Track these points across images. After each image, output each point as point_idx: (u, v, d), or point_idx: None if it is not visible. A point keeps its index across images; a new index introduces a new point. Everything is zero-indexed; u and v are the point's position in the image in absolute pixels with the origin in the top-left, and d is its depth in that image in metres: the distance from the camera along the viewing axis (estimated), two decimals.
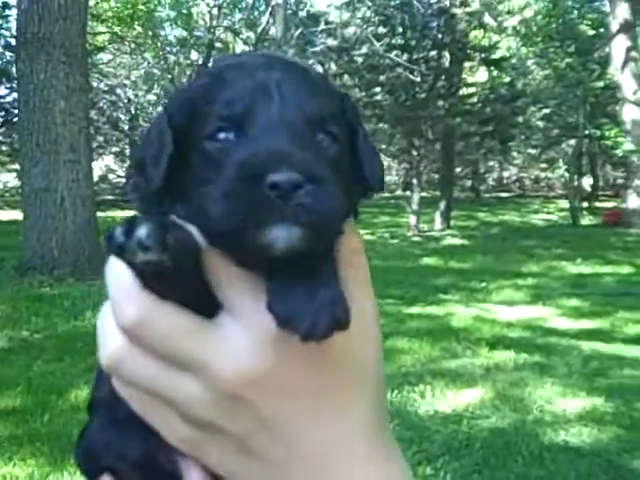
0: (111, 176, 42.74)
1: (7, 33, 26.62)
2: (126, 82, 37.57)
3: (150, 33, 29.31)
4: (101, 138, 39.07)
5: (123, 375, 0.72)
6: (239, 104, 0.72)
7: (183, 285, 0.68)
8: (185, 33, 31.56)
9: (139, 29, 28.63)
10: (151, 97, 38.63)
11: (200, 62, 31.27)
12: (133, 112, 39.66)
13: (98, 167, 41.94)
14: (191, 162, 0.74)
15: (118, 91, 38.73)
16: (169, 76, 31.87)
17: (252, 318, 0.69)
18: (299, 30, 24.43)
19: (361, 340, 0.75)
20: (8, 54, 26.89)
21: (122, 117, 39.86)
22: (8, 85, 27.45)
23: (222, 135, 0.72)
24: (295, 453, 0.71)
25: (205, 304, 0.70)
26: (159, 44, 30.57)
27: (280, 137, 0.69)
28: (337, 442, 0.73)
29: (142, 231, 0.62)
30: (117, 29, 28.37)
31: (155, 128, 0.79)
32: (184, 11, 30.67)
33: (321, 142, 0.73)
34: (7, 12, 25.76)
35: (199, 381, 0.68)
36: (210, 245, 0.69)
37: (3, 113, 29.04)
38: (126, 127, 39.64)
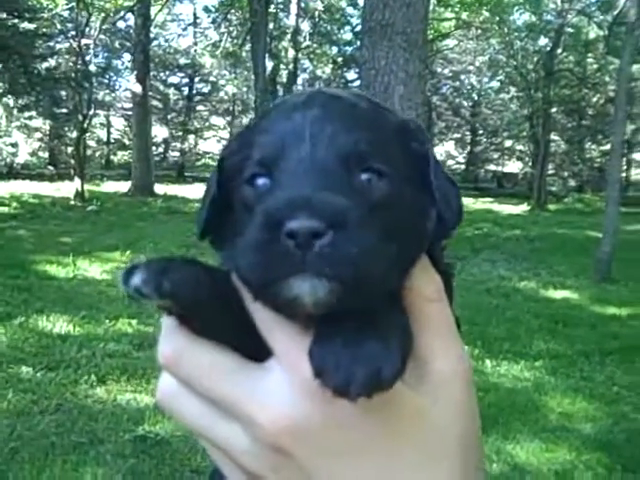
0: (450, 162, 43.32)
1: (355, 21, 28.20)
2: (470, 68, 37.65)
3: (497, 18, 28.88)
4: (442, 124, 39.75)
5: (173, 415, 0.70)
6: (271, 148, 0.68)
7: (223, 323, 0.66)
8: (534, 18, 30.55)
9: (486, 14, 28.38)
10: (494, 84, 38.27)
11: (548, 48, 30.19)
12: (476, 99, 39.70)
13: (438, 153, 42.94)
14: (234, 207, 0.72)
15: (462, 77, 39.01)
16: (514, 62, 31.20)
17: (297, 366, 0.63)
18: None
19: (437, 404, 0.67)
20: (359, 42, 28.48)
21: (464, 103, 40.09)
22: (357, 71, 29.17)
23: (258, 180, 0.68)
24: None
25: (260, 347, 0.66)
26: (506, 29, 30.02)
27: (305, 181, 0.63)
28: None
29: (137, 278, 0.60)
30: (464, 15, 28.44)
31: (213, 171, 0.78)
32: None
33: (363, 182, 0.66)
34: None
35: (241, 427, 0.65)
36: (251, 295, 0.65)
37: None
38: (468, 114, 39.82)
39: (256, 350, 0.66)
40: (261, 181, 0.68)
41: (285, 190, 0.63)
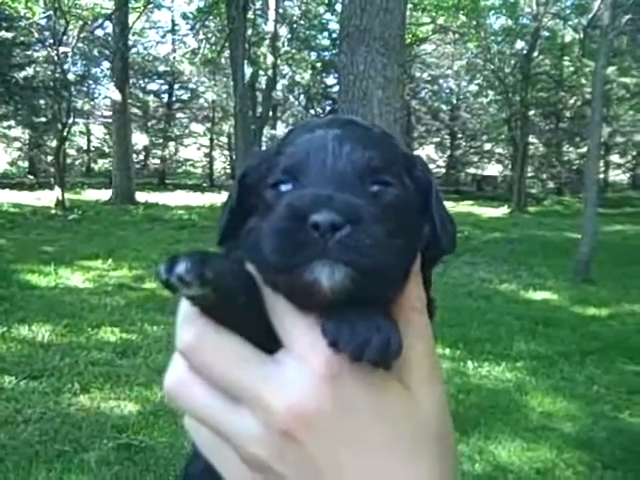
0: (430, 166, 43.40)
1: (333, 27, 28.25)
2: (448, 72, 37.85)
3: (474, 22, 29.06)
4: (422, 128, 39.93)
5: (181, 403, 0.72)
6: (296, 158, 0.78)
7: (242, 315, 0.70)
8: (510, 22, 30.78)
9: (463, 18, 28.55)
10: (473, 87, 38.48)
11: (525, 52, 30.42)
12: (454, 102, 39.91)
13: None
14: (255, 210, 0.80)
15: (440, 81, 39.22)
16: (491, 66, 31.41)
17: (310, 356, 0.68)
18: (628, 16, 22.43)
19: (420, 397, 0.73)
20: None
21: (443, 107, 40.29)
22: (336, 76, 29.27)
23: (282, 186, 0.77)
24: None
25: (272, 340, 0.71)
26: (482, 33, 30.21)
27: (327, 184, 0.73)
28: None
29: (181, 267, 0.64)
30: (441, 19, 28.58)
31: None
32: None
33: (375, 191, 0.76)
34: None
35: (252, 414, 0.68)
36: (266, 285, 0.72)
37: (330, 102, 31.02)
38: (447, 118, 40.02)
39: (269, 344, 0.71)
40: (284, 187, 0.77)
41: (308, 190, 0.73)
